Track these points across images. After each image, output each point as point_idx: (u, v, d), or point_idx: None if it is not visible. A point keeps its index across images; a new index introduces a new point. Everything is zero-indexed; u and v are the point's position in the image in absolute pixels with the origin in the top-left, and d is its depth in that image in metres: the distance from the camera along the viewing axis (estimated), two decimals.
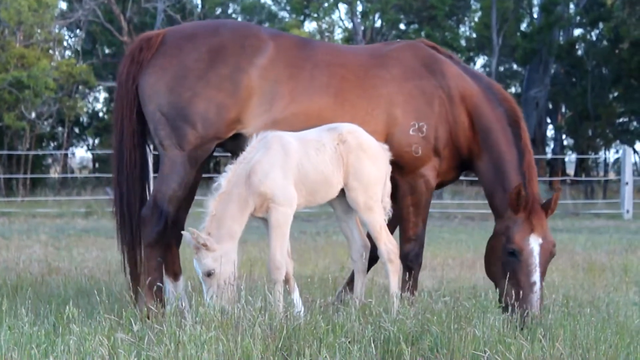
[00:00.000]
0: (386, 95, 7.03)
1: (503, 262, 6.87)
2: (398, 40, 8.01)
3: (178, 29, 7.23)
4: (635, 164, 34.16)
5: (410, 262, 7.12)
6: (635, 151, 34.34)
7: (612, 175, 35.90)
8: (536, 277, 6.79)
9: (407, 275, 7.11)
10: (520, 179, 7.00)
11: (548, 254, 6.90)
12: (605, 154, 37.56)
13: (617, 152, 36.33)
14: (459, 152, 7.21)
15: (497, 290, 6.85)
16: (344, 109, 6.94)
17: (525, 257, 6.82)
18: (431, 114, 7.07)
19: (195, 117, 6.77)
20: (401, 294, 6.53)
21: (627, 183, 21.95)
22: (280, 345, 5.34)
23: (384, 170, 6.66)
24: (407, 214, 7.13)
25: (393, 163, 6.92)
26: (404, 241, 7.15)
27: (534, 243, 6.85)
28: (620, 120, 35.80)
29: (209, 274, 6.15)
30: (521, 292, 6.72)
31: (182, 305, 6.55)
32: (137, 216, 6.90)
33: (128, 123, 6.96)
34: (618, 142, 35.28)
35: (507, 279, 6.78)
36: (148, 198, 7.00)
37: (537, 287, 6.78)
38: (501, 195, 7.03)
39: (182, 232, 6.34)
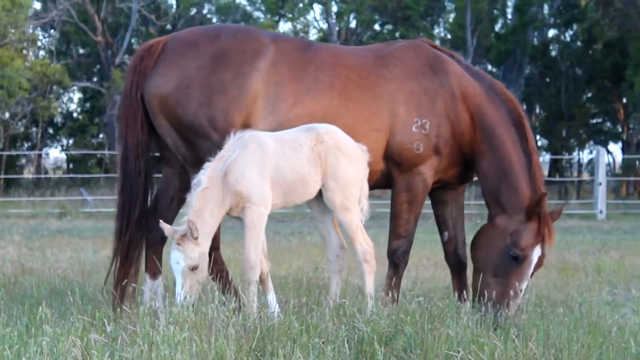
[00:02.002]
0: (389, 93, 7.07)
1: (499, 259, 6.97)
2: (400, 40, 8.04)
3: (179, 36, 7.24)
4: (608, 164, 34.43)
5: (397, 259, 7.16)
6: (608, 152, 34.63)
7: (585, 176, 36.22)
8: (524, 285, 6.95)
9: (392, 272, 7.15)
10: (529, 180, 7.08)
11: (539, 266, 7.09)
12: (578, 154, 37.89)
13: (590, 152, 36.65)
14: (460, 150, 7.23)
15: (475, 278, 6.96)
16: (347, 108, 6.97)
17: (525, 265, 6.96)
18: (433, 111, 7.11)
19: (205, 128, 6.80)
20: (375, 295, 6.58)
21: (600, 183, 22.11)
22: (253, 346, 5.34)
23: (362, 171, 6.67)
24: (400, 210, 7.15)
25: (392, 159, 7.00)
26: (394, 237, 7.18)
27: (536, 255, 6.98)
28: (594, 120, 36.15)
29: (194, 269, 6.09)
30: (505, 293, 6.84)
31: (155, 305, 6.54)
32: (136, 223, 6.93)
33: (133, 132, 6.98)
34: (592, 142, 35.61)
35: (493, 275, 6.91)
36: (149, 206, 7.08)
37: (521, 294, 6.92)
38: (509, 194, 7.08)
39: (160, 222, 6.28)
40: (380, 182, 7.24)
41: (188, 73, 6.84)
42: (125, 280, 6.88)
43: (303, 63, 6.98)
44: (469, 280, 7.43)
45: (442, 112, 7.13)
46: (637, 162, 31.58)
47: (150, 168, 7.07)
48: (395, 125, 7.03)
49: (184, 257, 6.08)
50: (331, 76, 6.99)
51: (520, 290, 6.91)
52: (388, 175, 7.15)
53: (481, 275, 6.97)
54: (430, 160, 7.12)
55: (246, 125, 6.76)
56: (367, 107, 7.01)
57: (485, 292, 6.85)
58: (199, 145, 6.79)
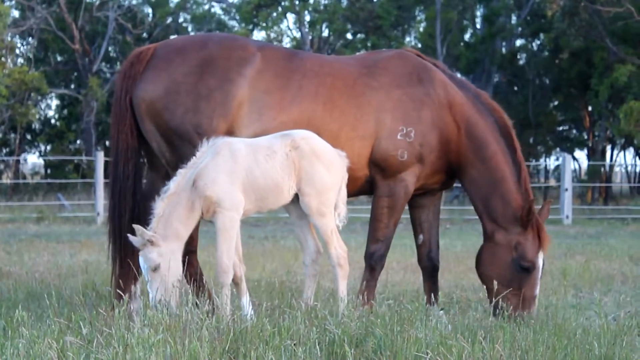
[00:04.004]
0: (375, 102, 7.15)
1: (511, 273, 7.14)
2: (384, 49, 8.14)
3: (168, 43, 7.32)
4: (574, 170, 34.81)
5: (374, 262, 7.26)
6: (574, 158, 34.99)
7: (552, 182, 36.55)
8: (537, 290, 7.18)
9: (368, 274, 7.25)
10: (520, 191, 7.22)
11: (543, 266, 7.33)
12: (545, 161, 38.28)
13: (557, 159, 37.05)
14: (447, 157, 7.33)
15: (491, 297, 7.08)
16: (332, 115, 7.05)
17: (535, 273, 7.16)
18: (419, 120, 7.20)
19: (190, 133, 6.86)
20: (347, 298, 6.67)
21: (566, 189, 22.30)
22: (227, 348, 5.39)
23: (339, 176, 6.74)
24: (380, 215, 7.26)
25: (376, 165, 7.09)
26: (372, 241, 7.29)
27: (541, 259, 7.19)
28: (560, 128, 36.53)
29: (154, 269, 6.22)
30: (525, 302, 7.08)
31: (131, 308, 6.61)
32: (128, 226, 6.94)
33: (123, 137, 7.06)
34: (558, 149, 35.98)
35: (508, 288, 7.09)
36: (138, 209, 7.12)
37: (536, 299, 7.16)
38: (502, 207, 7.23)
39: (135, 227, 6.38)
40: (364, 188, 7.35)
41: (175, 79, 6.92)
42: (125, 282, 6.95)
43: (288, 71, 7.06)
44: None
45: (428, 120, 7.22)
46: (602, 169, 31.96)
47: (139, 172, 7.15)
48: (381, 132, 7.12)
49: (144, 259, 6.24)
50: (316, 84, 7.08)
51: (536, 296, 7.14)
52: (372, 181, 7.25)
53: (495, 290, 7.03)
54: (413, 168, 7.22)
55: (231, 132, 6.85)
56: (352, 115, 7.09)
57: (506, 306, 6.94)
58: (183, 150, 6.86)
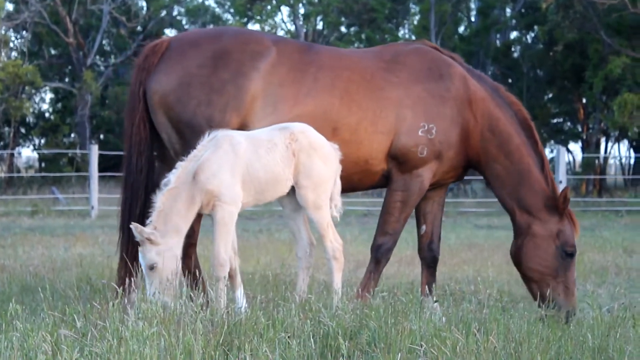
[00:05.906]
0: (395, 98, 7.13)
1: (557, 262, 7.20)
2: (400, 42, 8.13)
3: (182, 36, 7.33)
4: (568, 163, 34.86)
5: (380, 255, 7.29)
6: (568, 151, 35.04)
7: None
8: (575, 272, 7.29)
9: (373, 267, 7.26)
10: (546, 181, 7.27)
11: None
12: None
13: (551, 151, 37.05)
14: (466, 152, 7.34)
15: (535, 289, 7.22)
16: (350, 109, 7.03)
17: (575, 256, 7.28)
18: (440, 116, 7.19)
19: (202, 126, 6.81)
20: (341, 291, 6.69)
21: (561, 182, 22.36)
22: (221, 341, 5.38)
23: (334, 169, 6.76)
24: (393, 208, 7.27)
25: (395, 160, 7.10)
26: (381, 234, 7.31)
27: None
28: (555, 120, 36.57)
29: (151, 268, 6.21)
30: (570, 288, 7.18)
31: (126, 301, 6.61)
32: (139, 219, 6.92)
33: (136, 130, 7.02)
34: (552, 142, 36.02)
35: (554, 278, 7.21)
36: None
37: (575, 282, 7.29)
38: (532, 198, 7.27)
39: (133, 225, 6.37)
40: (381, 182, 7.35)
41: (189, 71, 6.90)
42: (127, 274, 6.94)
43: (304, 64, 7.04)
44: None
45: (449, 116, 7.22)
46: (597, 161, 32.03)
47: (152, 165, 7.12)
48: (401, 128, 7.11)
49: (141, 257, 6.24)
50: (332, 77, 7.05)
51: (576, 279, 7.26)
52: (388, 175, 7.25)
53: (539, 282, 7.23)
54: (431, 164, 7.23)
55: (244, 125, 6.83)
56: (371, 110, 7.07)
57: (556, 297, 7.11)
58: (194, 142, 6.79)
